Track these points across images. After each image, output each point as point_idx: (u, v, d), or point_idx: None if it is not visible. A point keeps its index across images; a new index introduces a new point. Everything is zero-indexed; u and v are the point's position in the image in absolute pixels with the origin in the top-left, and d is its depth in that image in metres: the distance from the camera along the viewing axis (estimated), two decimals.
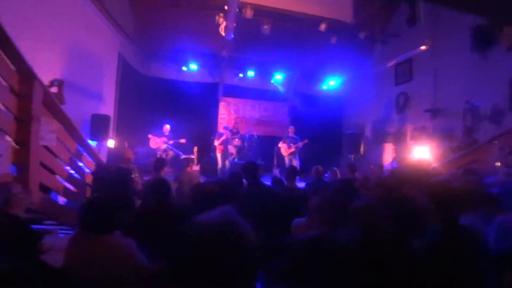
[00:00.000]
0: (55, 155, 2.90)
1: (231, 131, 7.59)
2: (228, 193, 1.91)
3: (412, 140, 6.89)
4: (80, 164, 3.30)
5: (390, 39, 7.33)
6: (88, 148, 3.25)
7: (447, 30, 5.99)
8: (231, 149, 7.20)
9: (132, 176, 3.02)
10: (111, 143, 5.60)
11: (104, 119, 5.08)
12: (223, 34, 5.06)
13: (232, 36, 5.25)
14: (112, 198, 1.73)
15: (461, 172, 3.70)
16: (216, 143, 6.39)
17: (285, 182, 3.36)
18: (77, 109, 4.96)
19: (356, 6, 6.21)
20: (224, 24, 4.99)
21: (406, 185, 2.47)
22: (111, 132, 5.99)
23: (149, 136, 6.51)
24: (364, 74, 8.44)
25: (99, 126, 4.92)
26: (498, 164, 3.68)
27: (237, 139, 7.65)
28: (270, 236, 1.71)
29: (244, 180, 2.91)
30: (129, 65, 7.14)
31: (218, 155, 6.44)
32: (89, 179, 3.50)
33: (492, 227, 2.01)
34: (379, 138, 8.03)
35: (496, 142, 3.62)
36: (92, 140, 4.86)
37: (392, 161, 6.76)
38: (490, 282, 1.27)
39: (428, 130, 6.50)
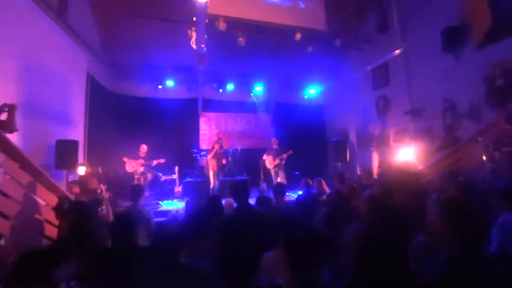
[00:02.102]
0: (6, 195, 2.51)
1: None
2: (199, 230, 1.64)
3: (395, 143, 6.90)
4: (38, 200, 2.90)
5: (363, 45, 7.47)
6: (46, 180, 2.86)
7: (417, 33, 6.15)
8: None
9: (99, 209, 2.65)
10: (82, 170, 5.11)
11: (71, 144, 4.63)
12: (194, 47, 4.87)
13: (205, 49, 5.08)
14: (57, 244, 1.41)
15: (446, 173, 3.62)
16: (209, 156, 6.10)
17: (273, 200, 3.14)
18: (41, 136, 4.51)
19: (328, 14, 6.28)
20: (194, 37, 4.82)
21: (397, 194, 2.31)
22: (81, 158, 5.52)
23: (124, 159, 6.06)
24: (343, 80, 8.53)
25: (65, 153, 4.46)
26: (485, 159, 3.65)
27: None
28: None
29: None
30: (100, 84, 6.75)
31: (211, 173, 6.06)
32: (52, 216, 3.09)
33: (495, 228, 1.87)
34: (363, 143, 8.03)
35: (480, 139, 3.58)
36: (58, 169, 4.40)
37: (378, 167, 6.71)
38: None
39: (410, 132, 6.53)
